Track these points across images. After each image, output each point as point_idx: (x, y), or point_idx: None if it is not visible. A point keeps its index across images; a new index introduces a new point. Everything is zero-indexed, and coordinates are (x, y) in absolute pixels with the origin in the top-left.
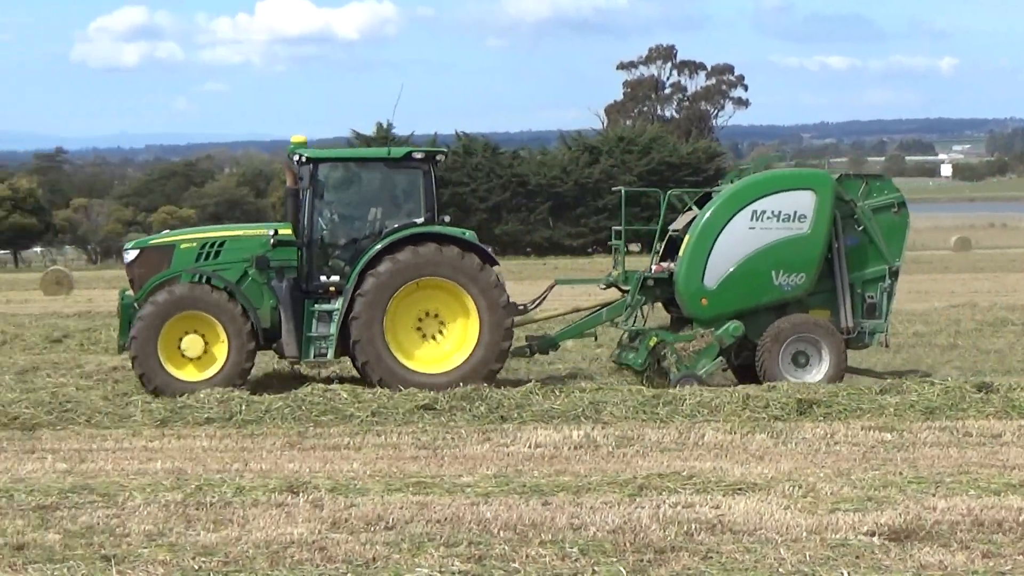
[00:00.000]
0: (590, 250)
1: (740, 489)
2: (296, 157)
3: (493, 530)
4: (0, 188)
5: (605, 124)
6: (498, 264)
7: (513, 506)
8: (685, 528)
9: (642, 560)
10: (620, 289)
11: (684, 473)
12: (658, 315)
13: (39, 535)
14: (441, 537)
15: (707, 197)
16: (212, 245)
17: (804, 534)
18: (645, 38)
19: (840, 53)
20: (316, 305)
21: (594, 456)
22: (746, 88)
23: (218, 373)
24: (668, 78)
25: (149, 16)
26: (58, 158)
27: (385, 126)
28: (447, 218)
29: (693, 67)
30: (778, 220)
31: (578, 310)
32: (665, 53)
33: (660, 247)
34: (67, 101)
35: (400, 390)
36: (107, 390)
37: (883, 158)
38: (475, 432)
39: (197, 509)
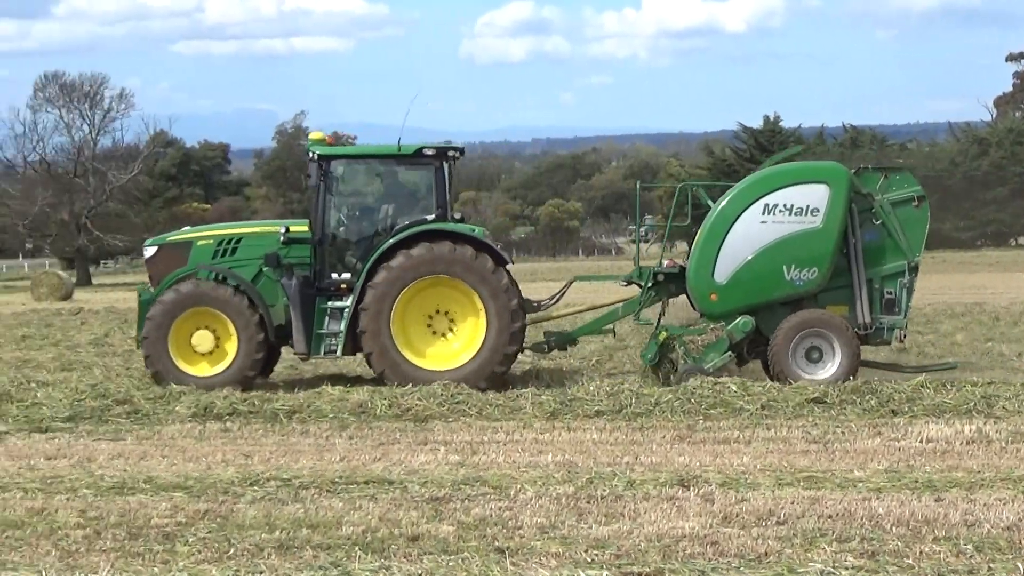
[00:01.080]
0: (979, 243)
1: None
2: (310, 154)
3: (885, 526)
4: None
5: (994, 115)
6: (510, 263)
7: (905, 502)
8: None
9: None
10: (639, 285)
11: None
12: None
13: (433, 526)
14: (833, 532)
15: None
16: (229, 242)
17: None
18: None
19: None
20: (328, 302)
21: (987, 451)
22: None
23: (227, 369)
24: None
25: (536, 11)
26: None
27: (772, 119)
28: (459, 215)
29: None
30: (790, 214)
31: (595, 307)
32: None
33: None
34: (455, 96)
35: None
36: (497, 382)
37: None
38: (865, 426)
39: (588, 502)
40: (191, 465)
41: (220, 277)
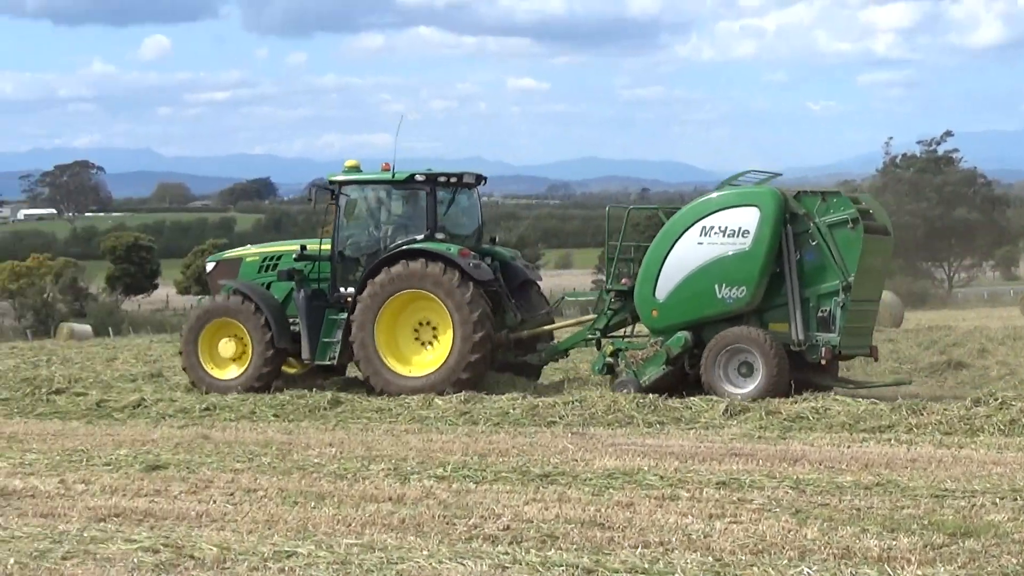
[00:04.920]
0: None
1: None
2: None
3: None
4: None
5: None
6: (538, 280)
7: None
8: None
9: None
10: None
11: None
12: None
13: None
14: None
15: None
16: (271, 259)
17: None
18: None
19: None
20: (339, 314)
21: None
22: None
23: (242, 374)
24: None
25: None
26: None
27: None
28: (496, 237)
29: None
30: (724, 236)
31: (581, 321)
32: None
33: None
34: None
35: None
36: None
37: None
38: None
39: None
40: None
41: (237, 291)
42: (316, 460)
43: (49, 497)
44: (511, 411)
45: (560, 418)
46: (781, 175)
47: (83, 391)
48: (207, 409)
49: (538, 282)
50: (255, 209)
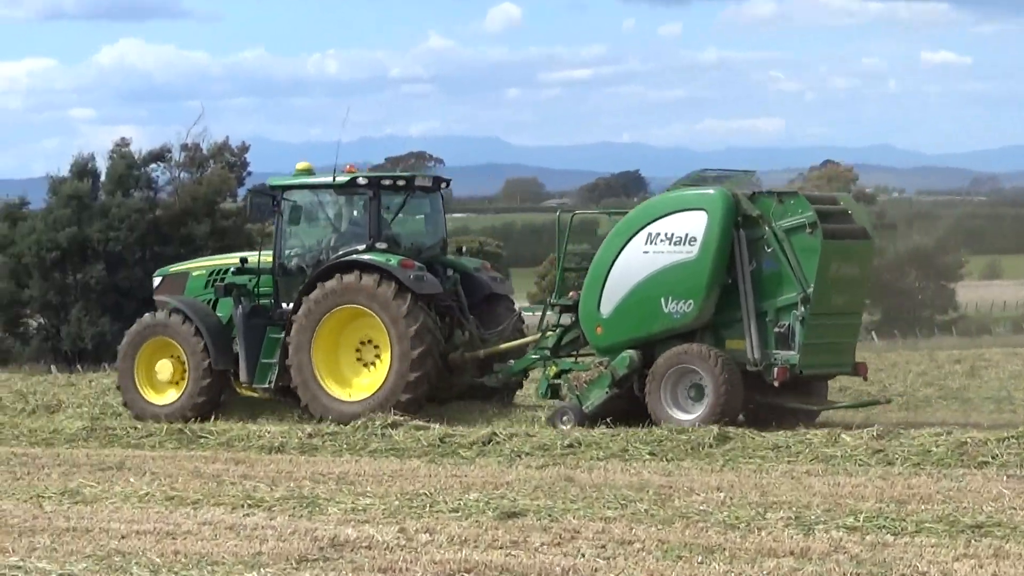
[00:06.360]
0: None
1: None
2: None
3: None
4: None
5: None
6: (509, 293)
7: None
8: None
9: None
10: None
11: None
12: None
13: None
14: None
15: None
16: (217, 273)
17: None
18: None
19: None
20: (279, 333)
21: None
22: None
23: (178, 398)
24: None
25: None
26: None
27: None
28: (463, 248)
29: None
30: (670, 243)
31: (536, 340)
32: None
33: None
34: None
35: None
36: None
37: None
38: None
39: None
40: None
41: (175, 308)
42: (702, 507)
43: (388, 549)
44: (933, 449)
45: (993, 458)
46: (754, 173)
47: (424, 424)
48: (570, 446)
49: (510, 295)
50: (622, 207)
